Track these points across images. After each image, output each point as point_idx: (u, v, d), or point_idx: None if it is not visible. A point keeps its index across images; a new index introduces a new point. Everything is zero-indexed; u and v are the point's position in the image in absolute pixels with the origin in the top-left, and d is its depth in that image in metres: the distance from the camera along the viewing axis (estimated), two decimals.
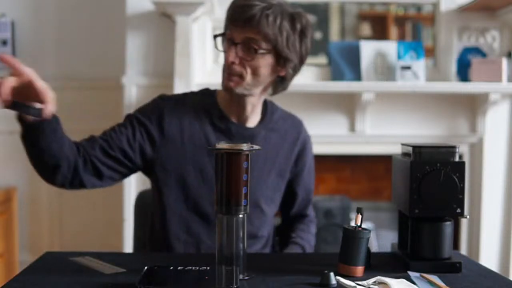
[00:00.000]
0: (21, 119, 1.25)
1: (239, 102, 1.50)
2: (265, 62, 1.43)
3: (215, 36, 1.50)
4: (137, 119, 1.49)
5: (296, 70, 1.50)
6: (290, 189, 1.63)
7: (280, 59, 1.45)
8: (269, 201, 1.56)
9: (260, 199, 1.53)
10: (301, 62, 1.50)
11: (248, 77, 1.44)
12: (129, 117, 1.50)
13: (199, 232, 1.49)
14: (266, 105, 1.59)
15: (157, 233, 1.54)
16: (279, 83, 1.52)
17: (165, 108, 1.50)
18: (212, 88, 1.59)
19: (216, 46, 1.50)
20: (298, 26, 1.44)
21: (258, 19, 1.39)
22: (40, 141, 1.27)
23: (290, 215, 1.68)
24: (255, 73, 1.44)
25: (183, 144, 1.49)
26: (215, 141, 1.47)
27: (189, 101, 1.54)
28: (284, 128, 1.59)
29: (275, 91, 1.56)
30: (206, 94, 1.57)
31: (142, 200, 1.78)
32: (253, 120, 1.54)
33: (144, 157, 1.48)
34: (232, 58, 1.42)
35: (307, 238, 1.64)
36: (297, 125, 1.64)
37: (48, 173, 1.36)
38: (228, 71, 1.44)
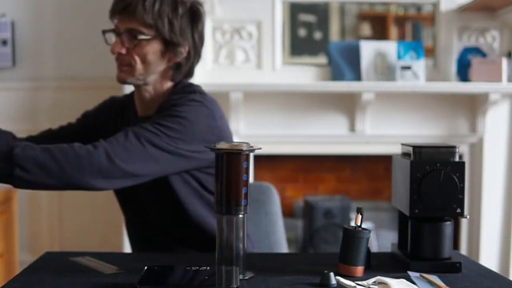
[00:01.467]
0: None
1: (139, 94, 1.52)
2: (152, 49, 1.44)
3: (103, 32, 1.50)
4: (85, 115, 1.63)
5: (191, 56, 1.49)
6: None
7: (169, 45, 1.45)
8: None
9: None
10: (196, 47, 1.49)
11: (138, 66, 1.45)
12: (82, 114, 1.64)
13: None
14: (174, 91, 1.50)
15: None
16: (176, 70, 1.49)
17: (105, 107, 1.62)
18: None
19: (106, 41, 1.51)
20: (181, 11, 1.44)
21: (135, 5, 1.40)
22: None
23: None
24: (144, 61, 1.44)
25: None
26: None
27: (121, 102, 1.61)
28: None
29: (178, 78, 1.51)
30: (133, 93, 1.60)
31: None
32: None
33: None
34: (118, 49, 1.44)
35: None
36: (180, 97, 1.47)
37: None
38: (118, 62, 1.47)
